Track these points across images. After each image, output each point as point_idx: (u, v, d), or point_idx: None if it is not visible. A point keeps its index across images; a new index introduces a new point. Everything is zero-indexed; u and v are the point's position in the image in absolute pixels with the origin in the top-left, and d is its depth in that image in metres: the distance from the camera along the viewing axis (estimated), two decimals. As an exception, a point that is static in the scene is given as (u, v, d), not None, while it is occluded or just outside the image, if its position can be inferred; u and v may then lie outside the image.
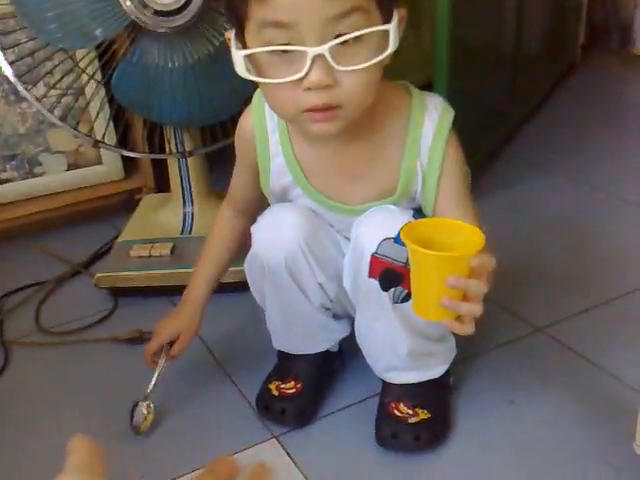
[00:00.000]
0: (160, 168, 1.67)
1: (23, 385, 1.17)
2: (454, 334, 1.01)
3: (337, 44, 0.75)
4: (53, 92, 1.42)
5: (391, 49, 0.78)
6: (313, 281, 0.98)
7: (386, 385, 1.04)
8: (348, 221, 0.95)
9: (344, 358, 1.15)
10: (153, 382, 1.05)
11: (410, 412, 1.00)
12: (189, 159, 1.45)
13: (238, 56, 0.79)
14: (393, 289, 0.91)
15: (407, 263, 0.84)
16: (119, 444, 1.04)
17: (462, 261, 0.76)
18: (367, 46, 0.78)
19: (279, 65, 0.78)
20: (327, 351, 1.10)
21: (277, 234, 0.96)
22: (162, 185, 1.66)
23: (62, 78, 1.38)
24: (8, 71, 1.28)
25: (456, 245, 0.78)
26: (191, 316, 1.07)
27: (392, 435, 0.98)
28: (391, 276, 0.89)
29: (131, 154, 1.41)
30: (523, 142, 1.96)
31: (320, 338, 1.07)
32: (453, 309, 0.77)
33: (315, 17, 0.74)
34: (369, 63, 0.77)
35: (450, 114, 0.91)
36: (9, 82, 1.47)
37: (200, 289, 1.08)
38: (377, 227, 0.90)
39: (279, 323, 1.06)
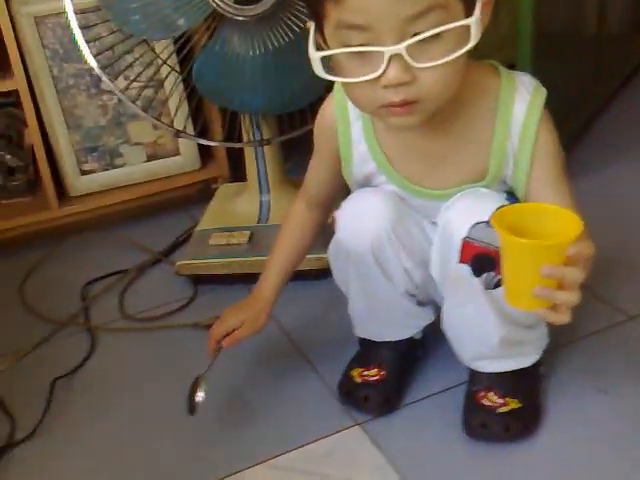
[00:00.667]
0: (235, 158, 1.68)
1: (109, 370, 1.20)
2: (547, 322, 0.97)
3: (415, 42, 0.74)
4: (134, 85, 1.44)
5: (473, 42, 0.76)
6: (399, 267, 0.96)
7: (474, 374, 1.01)
8: (435, 206, 0.93)
9: (427, 346, 1.13)
10: (208, 368, 1.03)
11: (500, 401, 0.97)
12: (266, 148, 1.45)
13: (315, 57, 0.79)
14: (485, 274, 0.88)
15: None
16: (199, 427, 1.05)
17: (558, 249, 0.73)
18: (446, 41, 0.76)
19: (356, 64, 0.78)
20: (411, 338, 1.08)
21: (362, 220, 0.94)
22: (238, 175, 1.67)
23: (143, 71, 1.40)
24: (93, 63, 1.31)
25: (551, 232, 0.74)
26: (258, 310, 1.04)
27: (481, 425, 0.96)
28: (484, 261, 0.87)
29: (210, 143, 1.42)
30: (606, 125, 1.89)
31: (404, 324, 1.06)
32: (548, 298, 0.74)
33: (391, 19, 0.73)
34: (448, 58, 0.76)
35: (542, 93, 0.88)
36: (91, 75, 1.53)
37: (271, 284, 1.06)
38: (468, 210, 0.88)
39: (363, 310, 1.04)
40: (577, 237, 0.72)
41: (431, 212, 0.95)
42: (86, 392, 1.15)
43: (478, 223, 0.87)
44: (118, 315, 1.33)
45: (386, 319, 1.04)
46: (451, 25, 0.74)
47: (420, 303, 1.04)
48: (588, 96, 1.84)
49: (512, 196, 0.91)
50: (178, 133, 1.34)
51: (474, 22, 0.75)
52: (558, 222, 0.75)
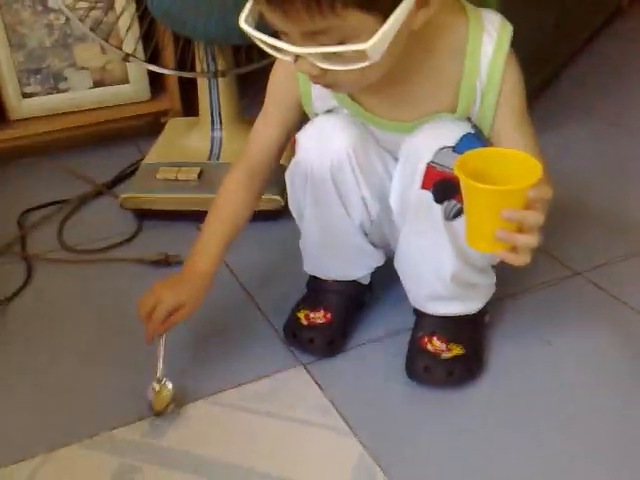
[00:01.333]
0: (188, 91, 1.62)
1: (45, 300, 1.15)
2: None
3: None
4: (82, 4, 1.36)
5: (371, 61, 0.75)
6: (357, 194, 0.95)
7: (420, 319, 1.01)
8: (400, 140, 0.91)
9: (374, 292, 1.12)
10: (161, 361, 0.94)
11: (443, 347, 0.97)
12: (220, 81, 1.40)
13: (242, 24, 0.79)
14: (446, 202, 0.87)
15: None
16: (140, 366, 1.02)
17: (519, 194, 0.73)
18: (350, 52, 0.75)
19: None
20: (358, 283, 1.07)
21: (324, 140, 0.92)
22: (189, 109, 1.61)
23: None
24: (39, -24, 1.22)
25: (511, 175, 0.74)
26: (198, 288, 0.96)
27: (424, 369, 0.96)
28: (446, 187, 0.86)
29: (162, 70, 1.35)
30: (565, 85, 1.89)
31: (355, 263, 1.04)
32: (509, 241, 0.75)
33: (294, 31, 0.75)
34: (347, 67, 0.76)
35: (508, 31, 0.87)
36: (37, -9, 1.44)
37: (210, 259, 0.97)
38: (434, 135, 0.86)
39: (315, 241, 1.02)
40: (537, 181, 0.72)
41: (395, 147, 0.93)
42: (21, 321, 1.11)
43: (443, 148, 0.86)
44: (57, 246, 1.28)
45: (337, 254, 1.02)
46: (342, 48, 0.74)
47: (373, 245, 1.03)
48: (550, 54, 1.83)
49: (477, 128, 0.89)
50: (127, 56, 1.27)
51: (370, 48, 0.73)
52: (519, 166, 0.75)
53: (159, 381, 0.94)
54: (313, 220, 0.99)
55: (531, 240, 0.74)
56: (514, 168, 0.75)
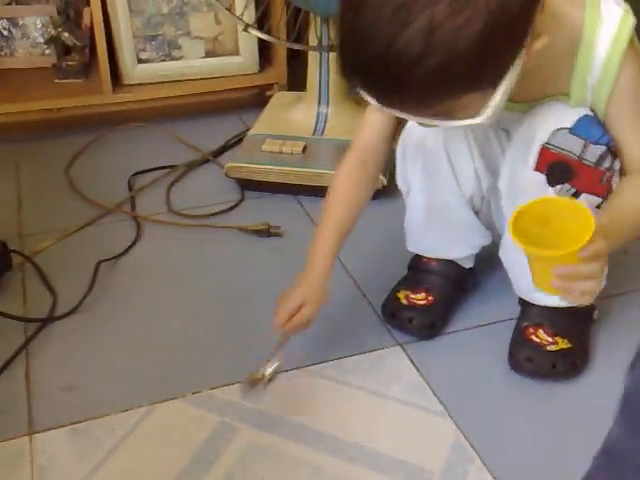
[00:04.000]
0: (294, 66, 1.63)
1: (153, 259, 1.19)
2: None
3: None
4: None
5: (481, 119, 0.74)
6: (470, 165, 0.93)
7: (526, 309, 0.99)
8: (515, 118, 0.89)
9: (477, 278, 1.10)
10: (275, 362, 0.91)
11: (549, 339, 0.95)
12: (332, 56, 1.40)
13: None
14: (560, 186, 0.85)
15: (581, 158, 0.81)
16: (239, 329, 1.05)
17: (569, 255, 0.72)
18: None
19: None
20: (461, 267, 1.06)
21: None
22: (294, 83, 1.62)
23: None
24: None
25: (569, 227, 0.73)
26: (319, 287, 0.94)
27: (527, 359, 0.94)
28: (561, 170, 0.84)
29: (282, 43, 1.35)
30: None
31: (461, 240, 1.02)
32: (566, 290, 0.74)
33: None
34: (465, 123, 0.74)
35: (629, 23, 0.81)
36: (158, -41, 1.47)
37: (327, 259, 0.95)
38: (551, 116, 0.84)
39: (422, 216, 1.01)
40: (589, 239, 0.71)
41: (510, 126, 0.91)
42: (129, 277, 1.15)
43: (560, 129, 0.84)
44: (164, 208, 1.31)
45: (444, 229, 1.00)
46: (457, 124, 0.74)
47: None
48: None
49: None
50: (247, 27, 1.29)
51: (476, 121, 0.73)
52: (577, 217, 0.73)
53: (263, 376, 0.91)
54: (422, 192, 0.97)
55: (589, 287, 0.73)
56: (570, 218, 0.73)
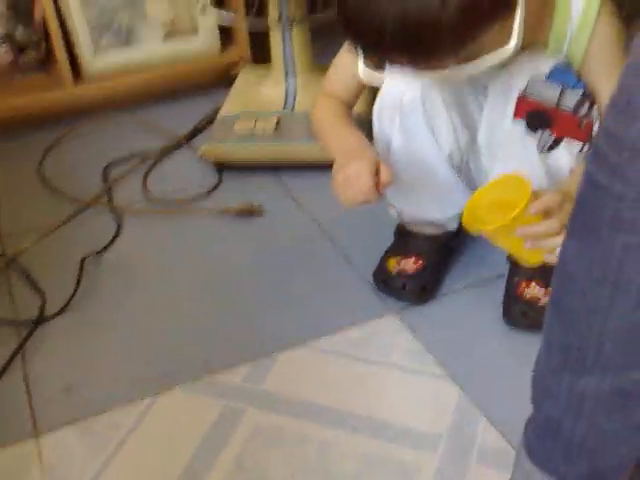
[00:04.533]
0: (256, 38, 1.60)
1: (136, 251, 1.18)
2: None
3: None
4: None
5: (513, 43, 0.78)
6: (447, 121, 0.93)
7: (515, 265, 1.00)
8: (491, 73, 0.88)
9: (461, 238, 1.11)
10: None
11: (542, 293, 0.96)
12: (294, 28, 1.38)
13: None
14: (540, 132, 0.86)
15: (559, 104, 0.84)
16: (230, 309, 1.04)
17: (517, 220, 0.77)
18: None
19: None
20: (446, 228, 1.06)
21: None
22: (258, 58, 1.60)
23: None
24: None
25: (517, 201, 0.78)
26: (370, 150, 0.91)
27: (522, 314, 0.95)
28: (539, 118, 0.85)
29: (250, 22, 1.32)
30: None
31: (444, 199, 1.02)
32: (542, 248, 0.79)
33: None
34: (493, 58, 0.78)
35: None
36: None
37: (355, 129, 0.95)
38: (527, 64, 0.85)
39: (403, 180, 1.00)
40: (528, 200, 0.76)
41: (484, 78, 0.91)
42: (114, 272, 1.13)
43: (536, 76, 0.85)
44: (142, 197, 1.30)
45: (427, 191, 1.01)
46: (488, 62, 0.79)
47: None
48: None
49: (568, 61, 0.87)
50: (204, 7, 1.26)
51: (510, 47, 0.78)
52: (520, 188, 0.78)
53: None
54: (402, 154, 0.97)
55: (559, 241, 0.74)
56: (515, 192, 0.79)
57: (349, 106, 1.01)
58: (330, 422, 0.88)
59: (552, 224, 0.78)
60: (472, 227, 0.81)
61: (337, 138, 0.95)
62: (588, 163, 0.54)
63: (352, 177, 0.85)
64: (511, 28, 0.77)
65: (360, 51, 0.81)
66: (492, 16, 0.73)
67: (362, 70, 0.88)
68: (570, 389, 0.60)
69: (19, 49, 1.54)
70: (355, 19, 0.74)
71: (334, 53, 1.01)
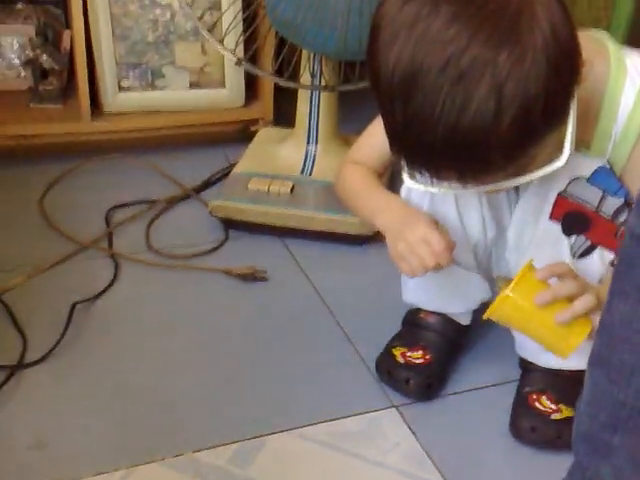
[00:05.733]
0: (279, 101, 1.58)
1: (131, 302, 1.12)
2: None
3: None
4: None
5: (564, 156, 0.76)
6: (478, 211, 0.90)
7: (527, 373, 0.95)
8: None
9: (472, 337, 1.06)
10: None
11: (553, 407, 0.91)
12: (322, 94, 1.36)
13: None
14: (575, 237, 0.83)
15: (598, 209, 0.81)
16: (222, 383, 0.98)
17: (529, 283, 0.78)
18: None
19: None
20: (457, 323, 1.01)
21: None
22: (280, 119, 1.58)
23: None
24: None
25: None
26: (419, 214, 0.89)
27: (531, 428, 0.90)
28: (578, 220, 0.82)
29: (279, 80, 1.30)
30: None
31: (461, 292, 0.98)
32: (568, 317, 0.76)
33: None
34: (543, 171, 0.76)
35: None
36: (147, -15, 1.42)
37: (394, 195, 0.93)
38: (569, 165, 0.81)
39: None
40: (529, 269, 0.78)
41: None
42: (105, 321, 1.07)
43: (577, 178, 0.82)
44: (144, 247, 1.24)
45: (445, 279, 0.95)
46: (539, 174, 0.76)
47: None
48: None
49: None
50: (240, 61, 1.24)
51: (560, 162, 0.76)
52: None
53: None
54: None
55: (584, 303, 0.75)
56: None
57: (379, 175, 0.98)
58: (316, 522, 0.81)
59: (570, 285, 0.77)
60: (492, 313, 0.80)
61: (380, 204, 0.91)
62: (631, 219, 0.54)
63: (416, 243, 0.82)
64: (562, 140, 0.74)
65: (405, 164, 0.77)
66: (545, 130, 0.70)
67: (406, 179, 0.83)
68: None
69: (41, 76, 1.51)
70: (403, 133, 0.70)
71: (358, 122, 0.99)
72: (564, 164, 0.78)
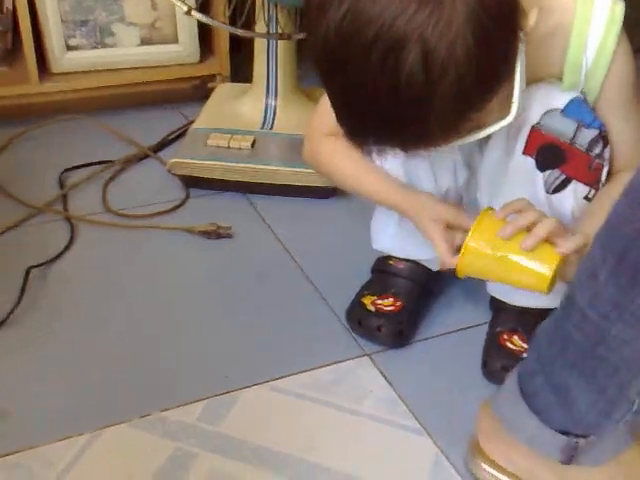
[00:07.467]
0: (235, 56, 1.53)
1: (88, 265, 1.08)
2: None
3: None
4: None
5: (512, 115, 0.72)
6: (449, 158, 0.88)
7: (499, 313, 0.94)
8: None
9: (443, 280, 1.04)
10: None
11: (525, 346, 0.90)
12: (280, 45, 1.31)
13: None
14: (549, 172, 0.81)
15: (573, 140, 0.79)
16: (192, 339, 0.95)
17: (491, 228, 0.76)
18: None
19: None
20: (429, 270, 0.99)
21: None
22: (237, 75, 1.53)
23: None
24: None
25: None
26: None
27: (502, 367, 0.89)
28: (553, 153, 0.80)
29: (233, 30, 1.24)
30: None
31: None
32: (533, 239, 0.74)
33: None
34: (493, 128, 0.72)
35: (620, 11, 0.79)
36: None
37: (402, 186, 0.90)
38: (542, 97, 0.80)
39: (392, 214, 0.94)
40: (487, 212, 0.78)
41: None
42: (62, 285, 1.03)
43: (551, 110, 0.79)
44: (100, 208, 1.20)
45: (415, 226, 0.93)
46: (488, 131, 0.73)
47: None
48: None
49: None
50: (190, 10, 1.18)
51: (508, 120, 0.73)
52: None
53: None
54: None
55: (549, 224, 0.74)
56: None
57: None
58: (293, 474, 0.79)
59: (525, 215, 0.75)
60: (459, 264, 0.78)
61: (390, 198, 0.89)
62: None
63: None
64: (509, 99, 0.71)
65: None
66: (484, 94, 0.66)
67: None
68: None
69: (-17, 39, 1.44)
70: (341, 107, 0.68)
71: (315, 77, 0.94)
72: (529, 90, 0.76)
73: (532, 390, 0.72)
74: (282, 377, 0.90)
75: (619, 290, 0.60)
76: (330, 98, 0.69)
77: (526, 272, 0.76)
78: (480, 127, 0.71)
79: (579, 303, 0.64)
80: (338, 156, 0.90)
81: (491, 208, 0.80)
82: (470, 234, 0.76)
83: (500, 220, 0.77)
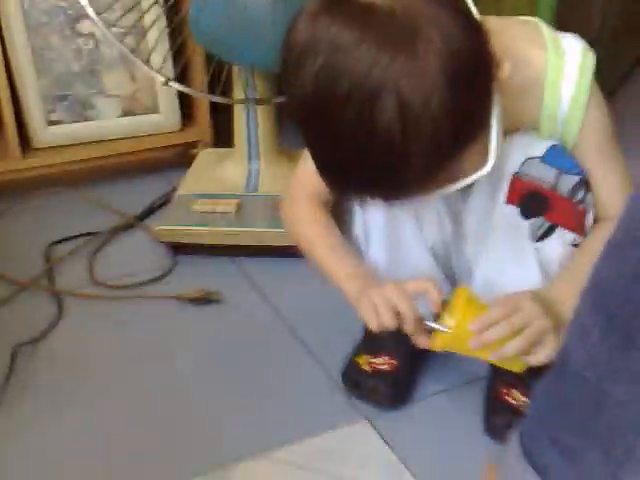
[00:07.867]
0: (217, 121, 1.55)
1: (77, 340, 1.06)
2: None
3: None
4: (115, 30, 1.29)
5: (489, 164, 0.72)
6: (434, 209, 0.87)
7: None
8: None
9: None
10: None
11: (525, 400, 0.88)
12: (259, 109, 1.32)
13: None
14: (533, 220, 0.81)
15: (555, 187, 0.80)
16: (180, 414, 0.93)
17: (467, 311, 0.77)
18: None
19: None
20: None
21: None
22: (219, 140, 1.54)
23: (125, 14, 1.25)
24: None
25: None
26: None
27: (505, 424, 0.86)
28: (536, 200, 0.80)
29: (215, 98, 1.26)
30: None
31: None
32: (499, 357, 0.77)
33: None
34: (470, 179, 0.72)
35: (591, 61, 0.81)
36: (65, 13, 1.37)
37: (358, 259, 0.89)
38: (520, 147, 0.80)
39: (382, 267, 0.92)
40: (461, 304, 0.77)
41: None
42: (51, 365, 1.01)
43: (531, 158, 0.80)
44: (87, 281, 1.18)
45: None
46: (464, 182, 0.73)
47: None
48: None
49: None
50: (168, 82, 1.20)
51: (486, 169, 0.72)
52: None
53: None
54: (382, 239, 0.89)
55: (517, 346, 0.74)
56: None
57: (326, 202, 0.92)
58: None
59: (518, 343, 0.75)
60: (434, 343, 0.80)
61: (347, 271, 0.87)
62: None
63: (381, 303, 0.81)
64: (486, 149, 0.71)
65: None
66: (459, 145, 0.66)
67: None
68: None
69: (-37, 115, 1.44)
70: (319, 159, 0.69)
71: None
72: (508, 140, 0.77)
73: (535, 450, 0.70)
74: (279, 447, 0.88)
75: (614, 350, 0.58)
76: (309, 150, 0.69)
77: (499, 363, 0.80)
78: (459, 177, 0.71)
79: (574, 366, 0.63)
80: (310, 229, 0.89)
81: (465, 289, 0.80)
82: (444, 318, 0.77)
83: (475, 307, 0.77)
